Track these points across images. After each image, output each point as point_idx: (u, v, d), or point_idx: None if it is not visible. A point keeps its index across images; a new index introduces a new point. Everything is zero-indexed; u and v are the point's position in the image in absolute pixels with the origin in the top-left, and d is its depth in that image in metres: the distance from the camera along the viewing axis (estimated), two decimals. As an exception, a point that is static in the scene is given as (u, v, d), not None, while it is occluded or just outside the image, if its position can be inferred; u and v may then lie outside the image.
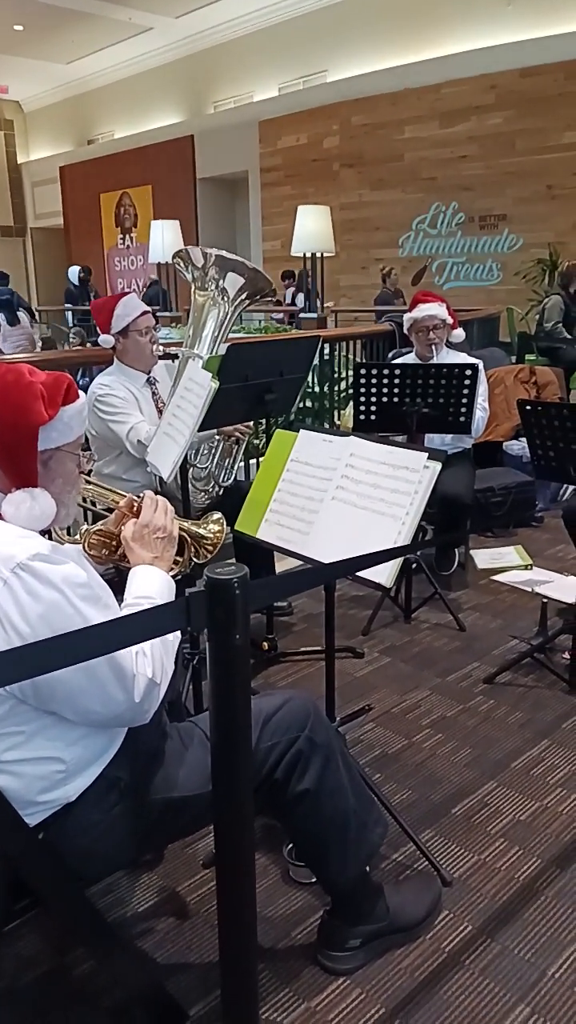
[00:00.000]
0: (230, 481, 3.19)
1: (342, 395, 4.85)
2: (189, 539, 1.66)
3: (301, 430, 2.02)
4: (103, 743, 1.34)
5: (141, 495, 1.60)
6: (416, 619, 3.34)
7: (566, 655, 2.94)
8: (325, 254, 8.81)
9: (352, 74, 11.97)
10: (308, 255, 8.55)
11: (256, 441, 3.71)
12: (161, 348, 3.07)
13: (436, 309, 3.43)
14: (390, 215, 11.74)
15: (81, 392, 1.42)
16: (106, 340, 3.03)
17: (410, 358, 3.72)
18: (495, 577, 3.78)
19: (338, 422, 4.66)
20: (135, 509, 1.58)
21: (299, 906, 1.86)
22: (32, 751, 1.26)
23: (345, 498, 1.83)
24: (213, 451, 3.12)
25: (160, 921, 1.82)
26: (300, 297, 9.38)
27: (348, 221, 11.80)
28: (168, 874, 1.96)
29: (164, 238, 9.98)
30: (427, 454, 1.74)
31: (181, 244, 10.24)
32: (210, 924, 1.81)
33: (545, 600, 3.15)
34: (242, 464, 3.25)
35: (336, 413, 4.71)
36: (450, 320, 3.49)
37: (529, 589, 3.65)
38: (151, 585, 1.44)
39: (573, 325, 6.58)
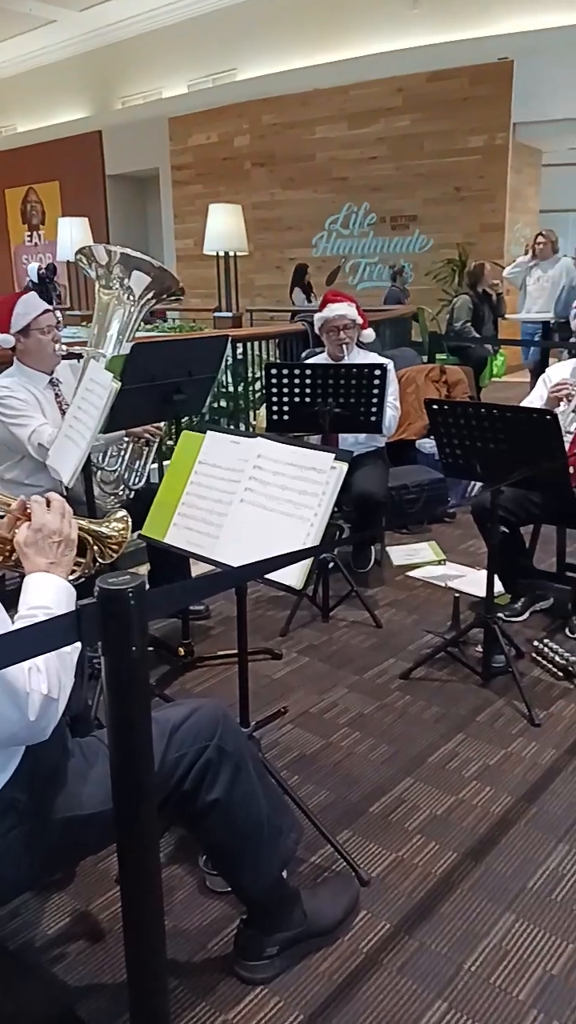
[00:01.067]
0: (141, 484, 3.12)
1: (257, 395, 4.83)
2: (91, 539, 1.59)
3: (208, 431, 1.99)
4: (-4, 764, 1.28)
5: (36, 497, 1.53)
6: (334, 618, 3.34)
7: (478, 648, 2.99)
8: (238, 253, 8.81)
9: (261, 73, 11.99)
10: (221, 254, 8.54)
11: (169, 442, 3.64)
12: (64, 348, 2.98)
13: (346, 309, 3.44)
14: (303, 215, 11.80)
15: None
16: (5, 340, 2.91)
17: (322, 358, 3.72)
18: (410, 573, 3.82)
19: (253, 422, 4.64)
20: (28, 512, 1.50)
21: (215, 916, 1.82)
22: None
23: (253, 500, 1.81)
24: (122, 453, 3.05)
25: (71, 943, 1.75)
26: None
27: (261, 220, 11.81)
28: (79, 892, 1.90)
29: (72, 235, 9.76)
30: (334, 455, 1.73)
31: (90, 241, 10.06)
32: (120, 942, 1.76)
33: (457, 595, 3.19)
34: (155, 466, 3.19)
35: (252, 413, 4.69)
36: (360, 320, 3.51)
37: (443, 584, 3.70)
38: (46, 594, 1.37)
39: (481, 324, 6.72)
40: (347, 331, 3.47)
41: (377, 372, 3.04)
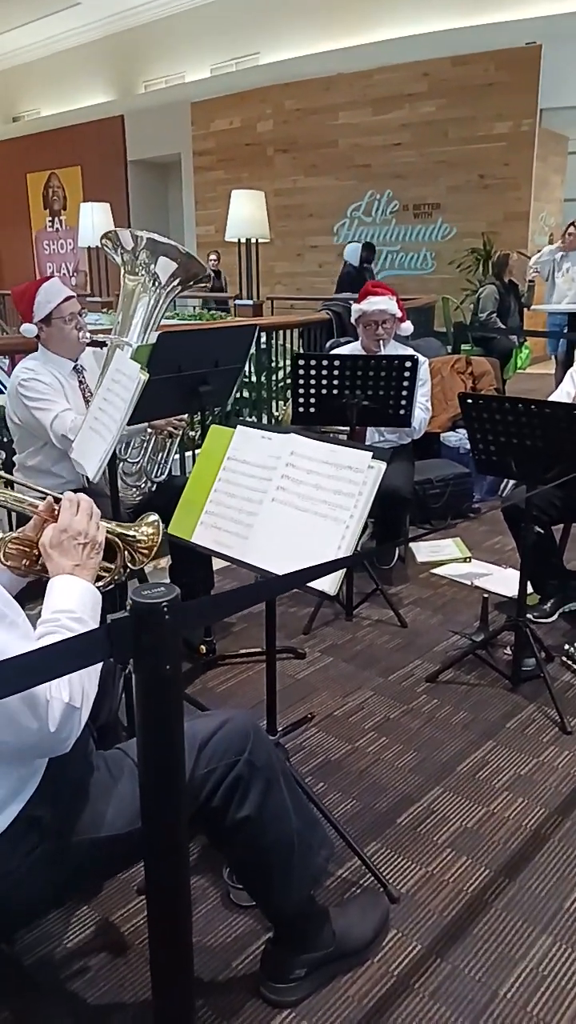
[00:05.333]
0: (163, 477, 3.05)
1: (279, 385, 4.73)
2: (121, 544, 1.52)
3: (238, 426, 1.90)
4: (19, 779, 1.20)
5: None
6: (358, 616, 3.26)
7: (507, 651, 2.90)
8: (260, 240, 8.70)
9: (285, 57, 11.81)
10: (243, 241, 8.42)
11: (192, 433, 3.57)
12: (88, 335, 2.90)
13: (387, 303, 3.33)
14: (324, 202, 11.64)
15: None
16: (28, 329, 2.84)
17: (352, 348, 3.63)
18: (435, 570, 3.73)
19: (276, 413, 4.55)
20: (55, 513, 1.43)
21: (240, 932, 1.75)
22: None
23: (286, 499, 1.73)
24: (145, 445, 2.98)
25: (92, 957, 1.69)
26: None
27: (282, 207, 11.66)
28: (100, 903, 1.83)
29: (94, 221, 9.67)
30: (372, 453, 1.65)
31: (112, 227, 9.96)
32: (145, 958, 1.69)
33: (486, 595, 3.10)
34: (177, 458, 3.11)
35: (274, 404, 4.59)
36: (399, 314, 3.40)
37: (468, 582, 3.61)
38: (70, 598, 1.30)
39: (507, 315, 6.59)
40: (385, 326, 3.37)
41: (408, 364, 2.94)
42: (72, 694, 1.16)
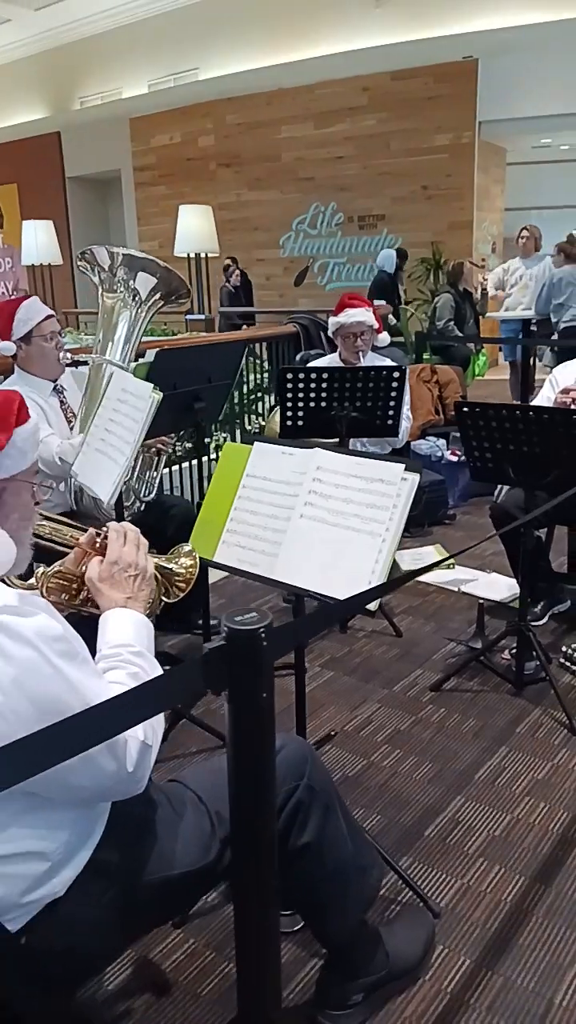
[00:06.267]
0: (152, 496, 2.99)
1: (249, 398, 4.71)
2: (159, 576, 1.47)
3: (255, 442, 1.87)
4: (89, 823, 1.15)
5: (104, 528, 1.40)
6: (352, 628, 3.24)
7: (505, 655, 2.92)
8: (209, 255, 8.68)
9: (224, 72, 11.83)
10: (192, 256, 8.39)
11: (177, 447, 3.52)
12: (69, 355, 2.84)
13: (364, 315, 3.34)
14: (269, 215, 11.69)
15: (32, 411, 1.22)
16: (6, 347, 2.76)
17: (330, 360, 3.62)
18: (421, 578, 3.74)
19: (249, 427, 4.51)
20: (98, 545, 1.38)
21: (285, 960, 1.70)
22: (9, 845, 1.05)
23: (315, 515, 1.70)
24: (133, 464, 2.91)
25: (136, 999, 1.63)
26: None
27: (228, 221, 11.65)
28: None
29: (37, 239, 9.55)
30: (404, 465, 1.63)
31: (55, 245, 9.81)
32: (190, 995, 1.64)
33: (481, 602, 3.12)
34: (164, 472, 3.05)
35: (247, 417, 4.56)
36: (376, 325, 3.41)
37: (455, 588, 3.63)
38: (126, 632, 1.25)
39: (464, 323, 6.69)
40: (363, 337, 3.38)
41: (395, 374, 2.95)
42: (146, 732, 1.11)
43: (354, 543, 1.62)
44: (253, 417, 4.56)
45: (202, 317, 8.26)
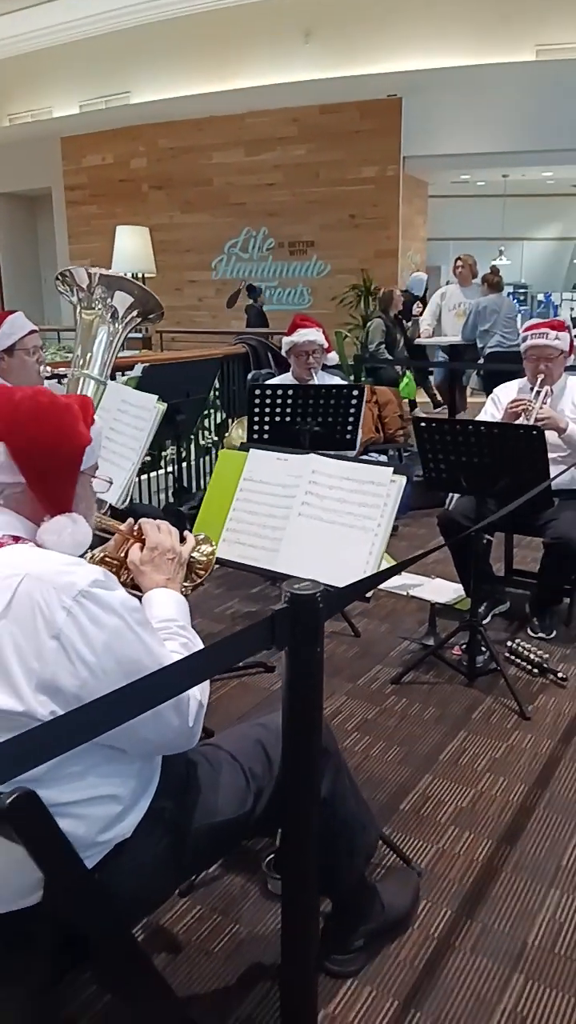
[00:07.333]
0: (125, 504, 3.12)
1: (201, 415, 4.87)
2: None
3: (251, 449, 2.06)
4: (150, 773, 1.30)
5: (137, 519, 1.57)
6: (311, 630, 3.43)
7: (455, 651, 3.17)
8: (146, 275, 8.82)
9: (156, 98, 12.02)
10: (129, 276, 8.51)
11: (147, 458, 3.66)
12: (48, 369, 2.96)
13: (316, 335, 3.57)
14: (201, 238, 11.89)
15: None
16: (-11, 359, 2.87)
17: (284, 378, 3.83)
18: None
19: (203, 442, 4.68)
20: (136, 532, 1.54)
21: (287, 919, 1.87)
22: (90, 790, 1.20)
23: (312, 513, 1.90)
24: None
25: (153, 958, 1.76)
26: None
27: (159, 242, 11.77)
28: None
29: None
30: (392, 469, 1.85)
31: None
32: (203, 952, 1.79)
33: (434, 604, 3.36)
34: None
35: (199, 433, 4.72)
36: (326, 344, 3.65)
37: (404, 593, 3.86)
38: (170, 608, 1.42)
39: (394, 346, 7.04)
40: (315, 355, 3.61)
41: (355, 392, 3.18)
42: (201, 693, 1.28)
43: (349, 537, 1.83)
44: (205, 433, 4.73)
45: (140, 335, 8.38)
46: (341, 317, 9.98)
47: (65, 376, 2.97)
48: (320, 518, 1.88)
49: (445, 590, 3.83)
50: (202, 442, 4.67)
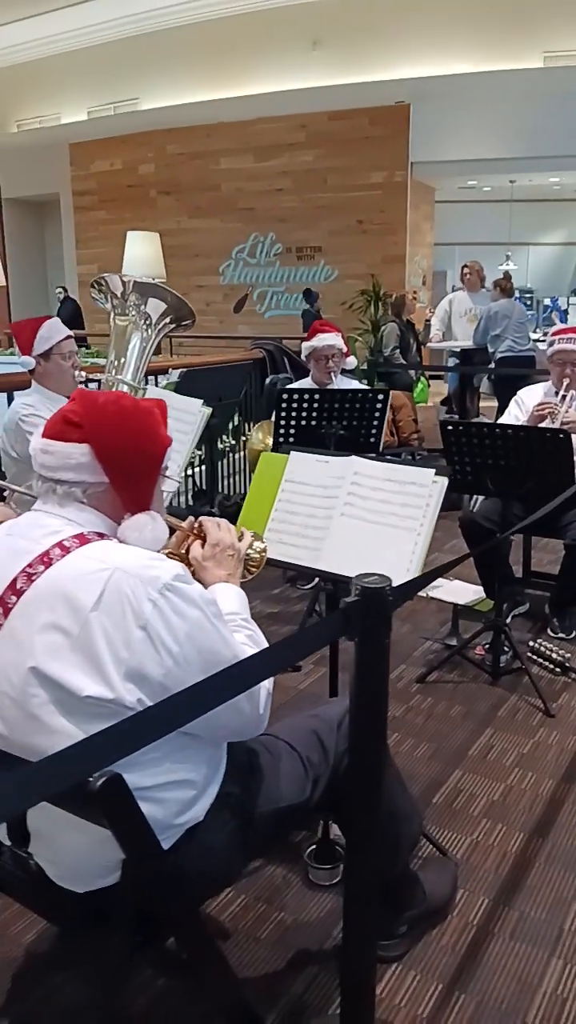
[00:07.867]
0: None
1: (231, 418, 4.94)
2: None
3: (292, 452, 2.12)
4: (219, 760, 1.37)
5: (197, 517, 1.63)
6: (335, 630, 3.50)
7: (479, 650, 3.23)
8: (157, 280, 8.88)
9: (165, 104, 12.13)
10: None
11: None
12: (83, 374, 3.03)
13: (335, 339, 3.64)
14: (209, 243, 11.98)
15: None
16: (26, 362, 2.94)
17: (304, 382, 3.90)
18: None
19: (222, 446, 4.73)
20: (196, 529, 1.61)
21: (330, 907, 1.93)
22: (168, 775, 1.26)
23: (354, 514, 1.96)
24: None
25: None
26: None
27: (168, 247, 11.84)
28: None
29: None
30: (434, 471, 1.91)
31: (-4, 265, 9.85)
32: (251, 938, 1.85)
33: (457, 606, 3.43)
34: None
35: (219, 438, 4.78)
36: (345, 348, 3.72)
37: (425, 594, 3.93)
38: (233, 602, 1.48)
39: (408, 351, 7.11)
40: (334, 359, 3.68)
41: (380, 396, 3.25)
42: (269, 680, 1.34)
43: (392, 537, 1.89)
44: (223, 436, 4.78)
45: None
46: (348, 322, 10.06)
47: (99, 381, 3.05)
48: (363, 518, 1.94)
49: (464, 591, 3.89)
50: (220, 446, 4.73)
